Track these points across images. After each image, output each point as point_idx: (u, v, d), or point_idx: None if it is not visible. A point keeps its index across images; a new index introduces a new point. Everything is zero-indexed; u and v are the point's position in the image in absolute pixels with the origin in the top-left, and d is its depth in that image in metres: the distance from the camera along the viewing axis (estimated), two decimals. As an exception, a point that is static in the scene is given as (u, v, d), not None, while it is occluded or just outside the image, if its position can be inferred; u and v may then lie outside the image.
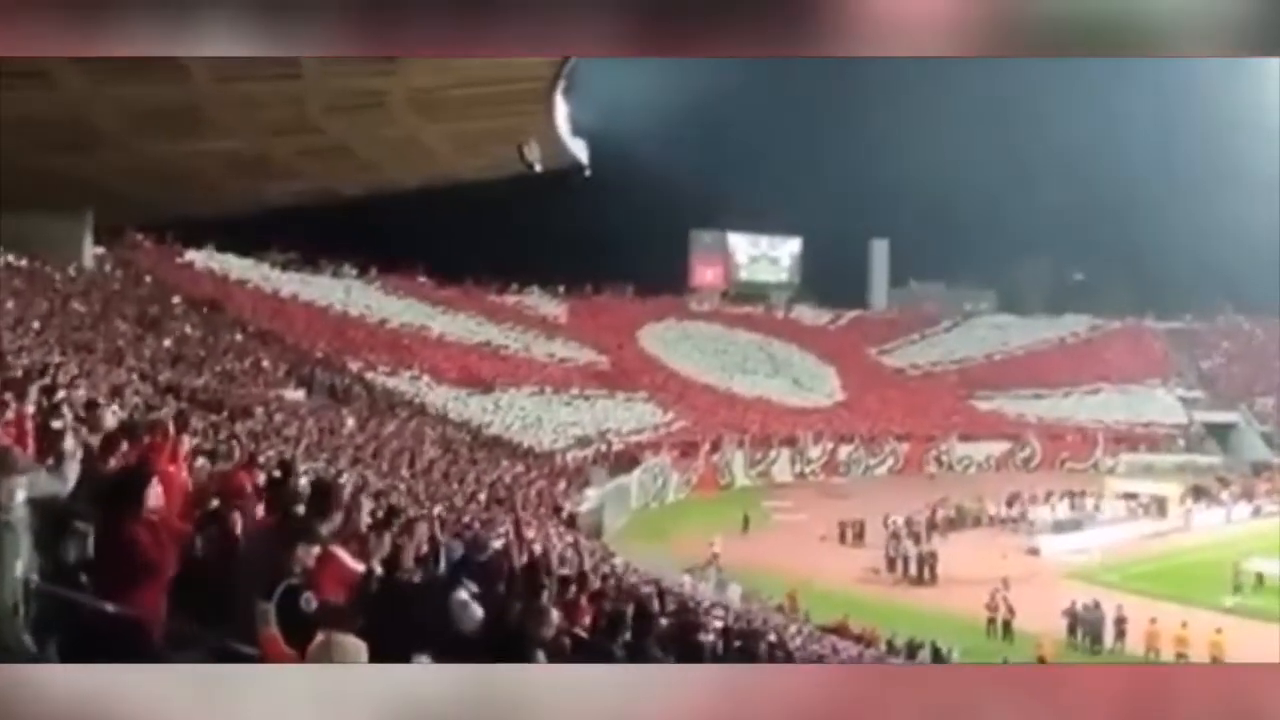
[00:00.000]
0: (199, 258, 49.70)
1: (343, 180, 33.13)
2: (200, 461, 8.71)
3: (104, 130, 24.74)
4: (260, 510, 6.24)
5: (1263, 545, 34.18)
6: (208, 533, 5.47)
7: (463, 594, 5.96)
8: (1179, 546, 38.17)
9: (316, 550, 4.82)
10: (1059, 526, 39.90)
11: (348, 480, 17.28)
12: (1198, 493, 45.97)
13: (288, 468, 8.69)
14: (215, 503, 6.24)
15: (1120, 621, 25.99)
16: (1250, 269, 70.69)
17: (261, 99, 24.19)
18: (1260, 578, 31.03)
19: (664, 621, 10.43)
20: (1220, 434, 65.82)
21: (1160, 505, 43.37)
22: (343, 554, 5.51)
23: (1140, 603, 27.70)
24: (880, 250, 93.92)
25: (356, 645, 3.22)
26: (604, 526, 36.43)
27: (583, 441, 48.28)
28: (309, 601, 4.37)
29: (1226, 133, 71.35)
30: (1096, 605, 26.85)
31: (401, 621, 4.93)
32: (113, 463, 6.28)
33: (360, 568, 5.59)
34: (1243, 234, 69.44)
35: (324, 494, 6.06)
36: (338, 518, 5.91)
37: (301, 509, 5.79)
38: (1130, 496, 45.07)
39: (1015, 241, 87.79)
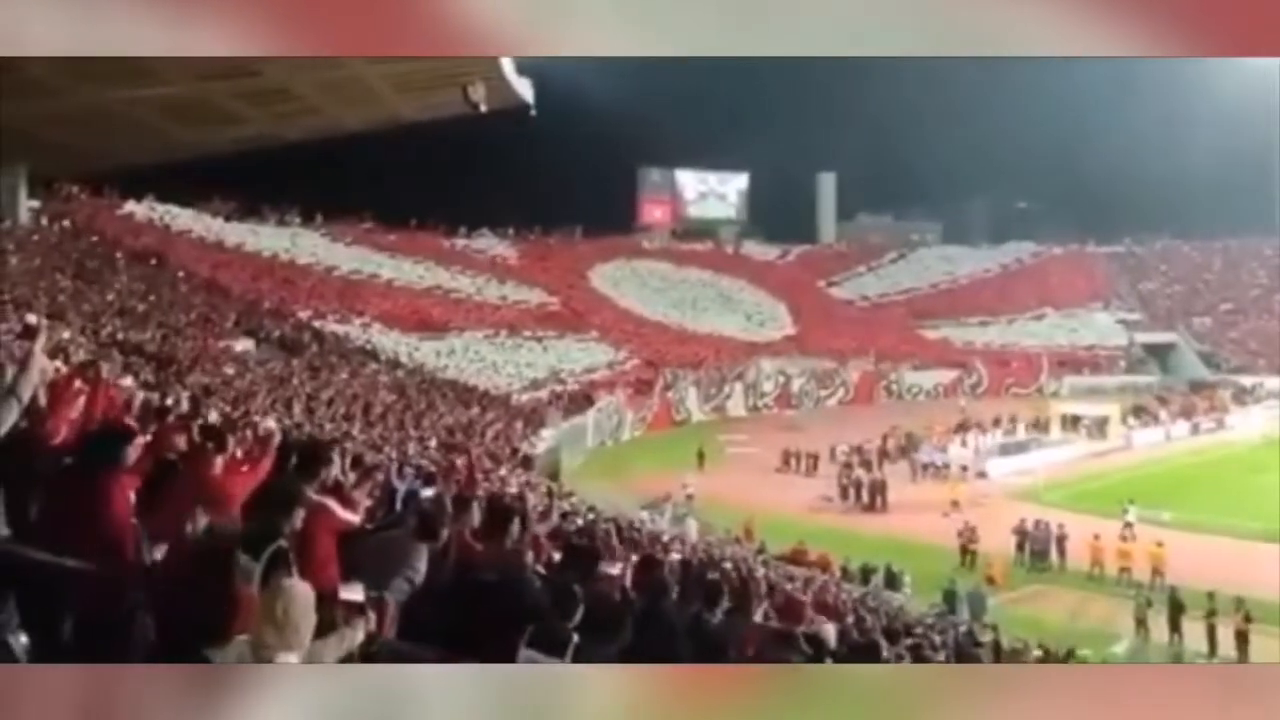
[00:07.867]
0: (139, 209, 48.70)
1: (283, 124, 32.34)
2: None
3: (36, 79, 23.95)
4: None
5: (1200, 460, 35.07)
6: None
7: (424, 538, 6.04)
8: (1121, 464, 39.34)
9: (302, 513, 4.85)
10: (1005, 450, 40.79)
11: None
12: (1138, 412, 47.32)
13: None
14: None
15: (1061, 539, 26.65)
16: (1187, 194, 72.11)
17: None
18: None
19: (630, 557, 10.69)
20: (1160, 354, 67.56)
21: (1102, 426, 44.49)
22: (335, 506, 5.55)
23: (1084, 520, 28.45)
24: (827, 183, 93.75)
25: (304, 591, 3.23)
26: (561, 467, 36.64)
27: (537, 383, 48.40)
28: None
29: (1168, 66, 72.26)
30: (1043, 524, 27.49)
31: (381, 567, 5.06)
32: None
33: (354, 519, 5.67)
34: (1180, 161, 70.74)
35: (313, 452, 6.09)
36: (328, 473, 5.98)
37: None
38: (1074, 418, 46.14)
39: (961, 172, 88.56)
